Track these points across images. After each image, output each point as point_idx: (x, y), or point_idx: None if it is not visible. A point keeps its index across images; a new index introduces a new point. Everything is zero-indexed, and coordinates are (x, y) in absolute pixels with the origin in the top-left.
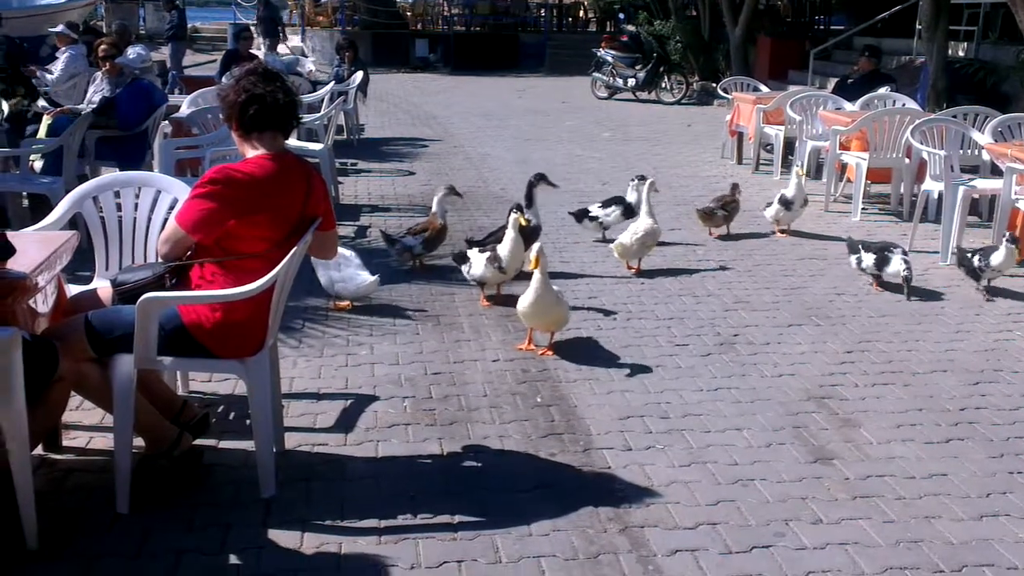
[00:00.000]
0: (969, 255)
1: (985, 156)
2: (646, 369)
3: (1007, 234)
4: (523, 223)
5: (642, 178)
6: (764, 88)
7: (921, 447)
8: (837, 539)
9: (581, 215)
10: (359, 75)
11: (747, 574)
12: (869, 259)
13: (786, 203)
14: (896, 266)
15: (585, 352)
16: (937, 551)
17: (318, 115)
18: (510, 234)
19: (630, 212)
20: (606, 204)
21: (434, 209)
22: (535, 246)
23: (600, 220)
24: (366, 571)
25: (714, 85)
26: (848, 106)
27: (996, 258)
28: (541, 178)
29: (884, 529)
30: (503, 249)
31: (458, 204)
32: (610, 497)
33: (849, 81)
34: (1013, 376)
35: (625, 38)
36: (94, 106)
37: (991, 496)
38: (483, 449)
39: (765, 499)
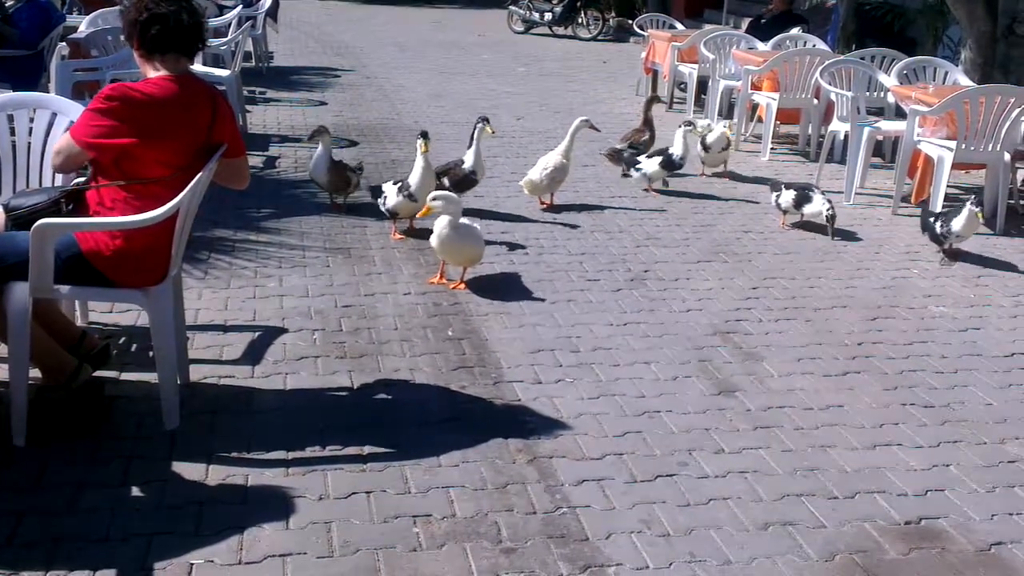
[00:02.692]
0: (931, 219)
1: (890, 98)
2: (557, 303)
3: (973, 197)
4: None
5: (689, 123)
6: (679, 26)
7: (820, 380)
8: (738, 468)
9: (629, 164)
10: None
11: (651, 502)
12: (788, 196)
13: (704, 147)
14: (818, 206)
15: (497, 286)
16: (832, 479)
17: (225, 40)
18: (419, 162)
19: (670, 164)
20: (651, 155)
21: None
22: (432, 194)
23: (644, 171)
24: (273, 502)
25: (630, 22)
26: (761, 46)
27: (957, 223)
28: (483, 120)
29: (782, 458)
30: (412, 177)
31: (371, 137)
32: (519, 429)
33: (762, 21)
34: (908, 312)
35: None
36: None
37: (884, 427)
38: (393, 382)
39: (670, 430)
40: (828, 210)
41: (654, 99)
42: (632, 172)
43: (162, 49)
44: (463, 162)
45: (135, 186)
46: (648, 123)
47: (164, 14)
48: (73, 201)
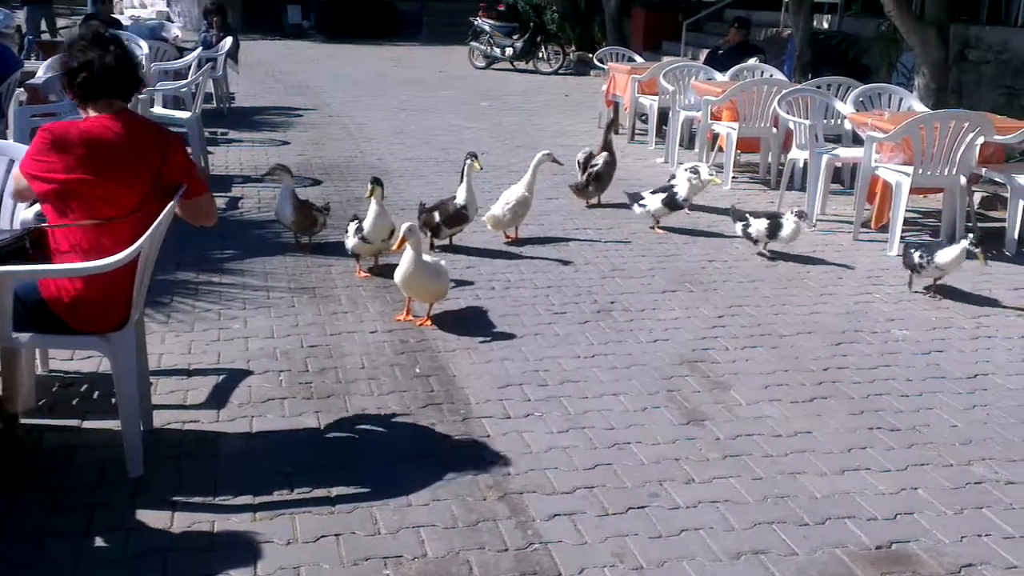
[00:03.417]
0: (912, 250)
1: (847, 125)
2: (524, 337)
3: (970, 236)
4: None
5: (695, 171)
6: (639, 59)
7: (787, 406)
8: (708, 497)
9: (633, 199)
10: (228, 41)
11: (623, 534)
12: (760, 226)
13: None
14: (791, 226)
15: (464, 322)
16: (802, 505)
17: (185, 82)
18: (372, 206)
19: (673, 203)
20: (655, 192)
21: None
22: (404, 225)
23: (648, 208)
24: (240, 549)
25: (590, 55)
26: (719, 76)
27: (943, 256)
28: (471, 156)
29: (753, 486)
30: (366, 221)
31: (334, 175)
32: (489, 465)
33: (720, 52)
34: (872, 336)
35: (502, 7)
36: None
37: (852, 451)
38: (361, 421)
39: (640, 461)
40: (795, 212)
41: (613, 124)
42: (635, 207)
43: (92, 95)
44: (455, 198)
45: (90, 230)
46: (607, 146)
47: (89, 60)
48: (33, 242)
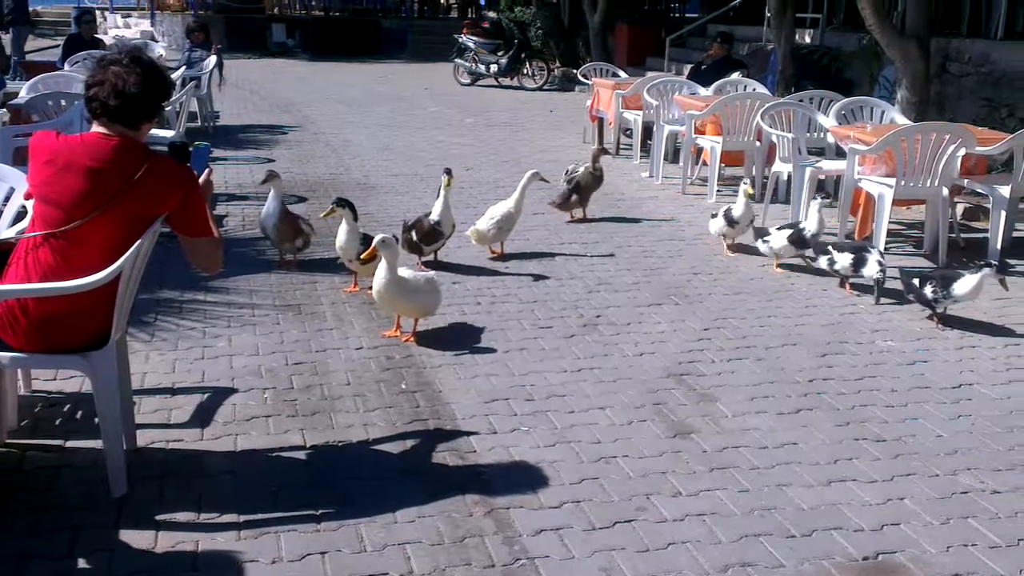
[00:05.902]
0: (916, 281)
1: (830, 138)
2: (510, 352)
3: (991, 265)
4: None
5: (825, 195)
6: (623, 74)
7: (773, 418)
8: (695, 510)
9: (759, 234)
10: (212, 59)
11: (610, 549)
12: (845, 260)
13: (731, 221)
14: (871, 268)
15: (450, 337)
16: (789, 517)
17: (169, 100)
18: (343, 224)
19: (800, 241)
20: (781, 227)
21: None
22: (378, 236)
23: (771, 245)
24: (224, 568)
25: (574, 71)
26: (702, 91)
27: (962, 286)
28: (447, 172)
29: (739, 498)
30: (338, 235)
31: (319, 192)
32: (476, 481)
33: (703, 67)
34: (857, 348)
35: (486, 24)
36: None
37: (838, 462)
38: (347, 438)
39: (627, 475)
40: (878, 272)
41: (601, 151)
42: (759, 243)
43: (92, 113)
44: (430, 214)
45: (44, 249)
46: (597, 159)
47: (100, 80)
48: None
